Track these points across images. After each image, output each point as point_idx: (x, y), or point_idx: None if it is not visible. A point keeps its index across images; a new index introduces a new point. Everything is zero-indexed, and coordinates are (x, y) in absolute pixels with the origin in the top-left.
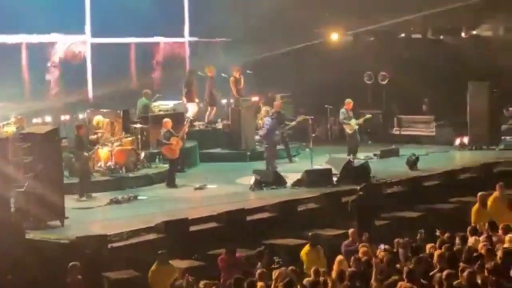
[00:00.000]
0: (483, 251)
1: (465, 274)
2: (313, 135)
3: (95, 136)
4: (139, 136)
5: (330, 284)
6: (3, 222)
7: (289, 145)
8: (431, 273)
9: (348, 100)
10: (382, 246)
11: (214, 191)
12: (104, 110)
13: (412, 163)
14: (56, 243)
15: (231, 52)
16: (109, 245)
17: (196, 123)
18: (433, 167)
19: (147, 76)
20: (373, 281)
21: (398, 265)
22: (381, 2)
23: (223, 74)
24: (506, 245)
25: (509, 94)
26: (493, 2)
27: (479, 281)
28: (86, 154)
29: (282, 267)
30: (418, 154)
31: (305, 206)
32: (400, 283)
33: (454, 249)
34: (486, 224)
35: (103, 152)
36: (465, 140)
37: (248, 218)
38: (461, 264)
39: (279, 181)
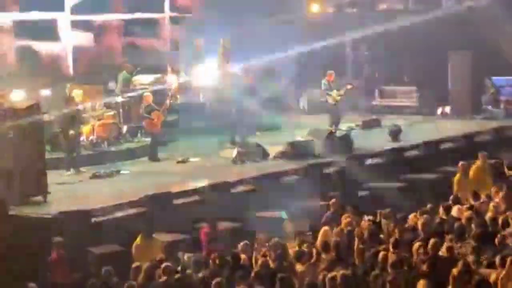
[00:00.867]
0: (464, 221)
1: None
2: (295, 106)
3: (76, 111)
4: (120, 110)
5: (314, 255)
6: None
7: None
8: (413, 242)
9: (330, 72)
10: (365, 217)
11: (197, 164)
12: (85, 85)
13: (394, 134)
14: (39, 219)
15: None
16: (92, 220)
17: (178, 96)
18: (415, 137)
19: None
20: (356, 252)
21: (381, 236)
22: None
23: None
24: (489, 213)
25: (490, 63)
26: None
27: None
28: (72, 131)
29: None
30: (400, 125)
31: (288, 178)
32: (382, 253)
33: (437, 219)
34: (469, 193)
35: (85, 126)
36: (447, 110)
37: (232, 190)
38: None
39: (261, 153)
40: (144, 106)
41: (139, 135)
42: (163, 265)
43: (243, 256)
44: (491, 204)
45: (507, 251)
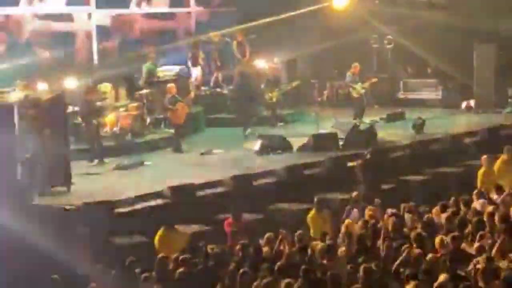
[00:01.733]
0: (487, 215)
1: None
2: (319, 99)
3: (101, 102)
4: (144, 102)
5: (339, 248)
6: (10, 189)
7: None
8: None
9: (355, 64)
10: (389, 210)
11: (220, 156)
12: (109, 75)
13: (418, 127)
14: (63, 209)
15: (234, 19)
16: (115, 211)
17: (202, 88)
18: (439, 130)
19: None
20: (380, 245)
21: (405, 229)
22: None
23: (227, 39)
24: None
25: None
26: None
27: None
28: (94, 121)
29: None
30: (424, 118)
31: (311, 171)
32: (406, 247)
33: (461, 212)
34: (493, 187)
35: (108, 117)
36: (472, 103)
37: (255, 183)
38: (468, 228)
39: (285, 145)
40: (168, 97)
41: (162, 126)
42: (182, 256)
43: (265, 248)
44: None
45: None
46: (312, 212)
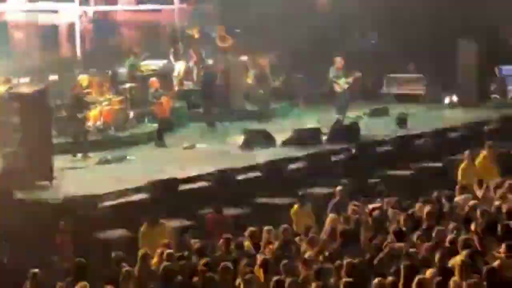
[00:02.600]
0: (469, 209)
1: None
2: (303, 94)
3: (85, 97)
4: (127, 96)
5: (320, 242)
6: None
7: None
8: (418, 232)
9: (338, 59)
10: (371, 205)
11: (204, 150)
12: (93, 70)
13: (402, 122)
14: (46, 203)
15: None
16: (98, 205)
17: (185, 83)
18: (423, 125)
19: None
20: (362, 240)
21: (387, 224)
22: None
23: (210, 33)
24: (497, 202)
25: (498, 52)
26: None
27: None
28: (79, 115)
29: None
30: (408, 113)
31: (295, 165)
32: (387, 242)
33: (443, 207)
34: (473, 182)
35: (92, 112)
36: (454, 98)
37: (238, 177)
38: (450, 222)
39: (268, 140)
40: (151, 91)
41: (146, 120)
42: (166, 251)
43: (247, 243)
44: (497, 194)
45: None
46: (296, 206)
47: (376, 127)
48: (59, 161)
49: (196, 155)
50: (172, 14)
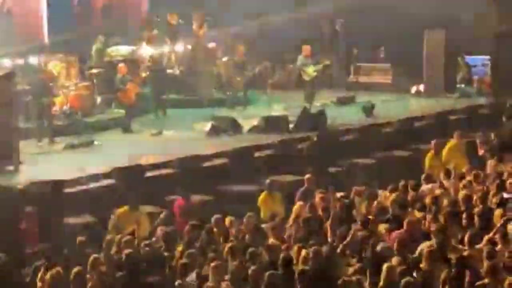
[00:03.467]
0: (435, 199)
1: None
2: (270, 81)
3: (52, 82)
4: (94, 81)
5: (287, 230)
6: None
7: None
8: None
9: (306, 47)
10: (338, 194)
11: (170, 137)
12: (59, 55)
13: (368, 111)
14: (11, 188)
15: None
16: (65, 191)
17: (153, 68)
18: (389, 114)
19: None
20: (328, 228)
21: (354, 212)
22: None
23: (180, 21)
24: (462, 192)
25: (464, 42)
26: None
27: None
28: (46, 100)
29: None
30: (375, 102)
31: (261, 153)
32: (354, 229)
33: (408, 196)
34: (441, 171)
35: (58, 97)
36: (421, 88)
37: (205, 164)
38: (415, 211)
39: (235, 127)
40: (118, 77)
41: (113, 106)
42: (125, 238)
43: (215, 229)
44: (463, 183)
45: (474, 230)
46: (263, 194)
47: (343, 116)
48: (26, 146)
49: (163, 142)
50: None
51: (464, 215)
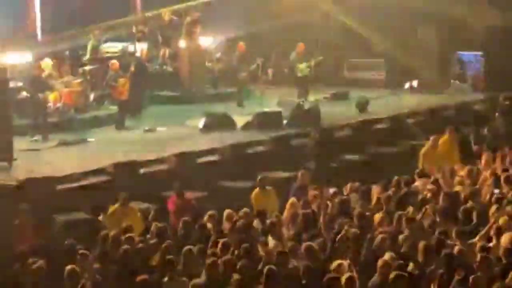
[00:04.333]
0: (430, 194)
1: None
2: (264, 78)
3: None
4: (88, 78)
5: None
6: None
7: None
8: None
9: (300, 44)
10: (331, 190)
11: (164, 133)
12: (52, 52)
13: (362, 106)
14: (4, 185)
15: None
16: (58, 187)
17: (147, 65)
18: (383, 110)
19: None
20: (322, 224)
21: (348, 208)
22: None
23: (174, 17)
24: (455, 188)
25: (458, 38)
26: None
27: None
28: (41, 96)
29: None
30: (368, 98)
31: (255, 149)
32: (347, 226)
33: (401, 192)
34: (434, 167)
35: (52, 93)
36: (415, 84)
37: (198, 160)
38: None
39: (229, 123)
40: (111, 74)
41: (106, 103)
42: (126, 235)
43: (209, 225)
44: (456, 179)
45: (470, 226)
46: (256, 190)
47: (337, 112)
48: (19, 143)
49: (157, 138)
50: None
51: (459, 211)
